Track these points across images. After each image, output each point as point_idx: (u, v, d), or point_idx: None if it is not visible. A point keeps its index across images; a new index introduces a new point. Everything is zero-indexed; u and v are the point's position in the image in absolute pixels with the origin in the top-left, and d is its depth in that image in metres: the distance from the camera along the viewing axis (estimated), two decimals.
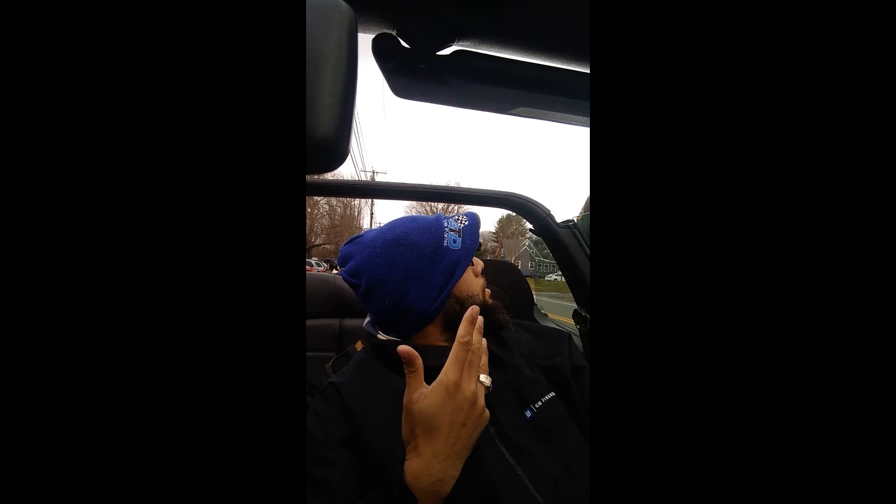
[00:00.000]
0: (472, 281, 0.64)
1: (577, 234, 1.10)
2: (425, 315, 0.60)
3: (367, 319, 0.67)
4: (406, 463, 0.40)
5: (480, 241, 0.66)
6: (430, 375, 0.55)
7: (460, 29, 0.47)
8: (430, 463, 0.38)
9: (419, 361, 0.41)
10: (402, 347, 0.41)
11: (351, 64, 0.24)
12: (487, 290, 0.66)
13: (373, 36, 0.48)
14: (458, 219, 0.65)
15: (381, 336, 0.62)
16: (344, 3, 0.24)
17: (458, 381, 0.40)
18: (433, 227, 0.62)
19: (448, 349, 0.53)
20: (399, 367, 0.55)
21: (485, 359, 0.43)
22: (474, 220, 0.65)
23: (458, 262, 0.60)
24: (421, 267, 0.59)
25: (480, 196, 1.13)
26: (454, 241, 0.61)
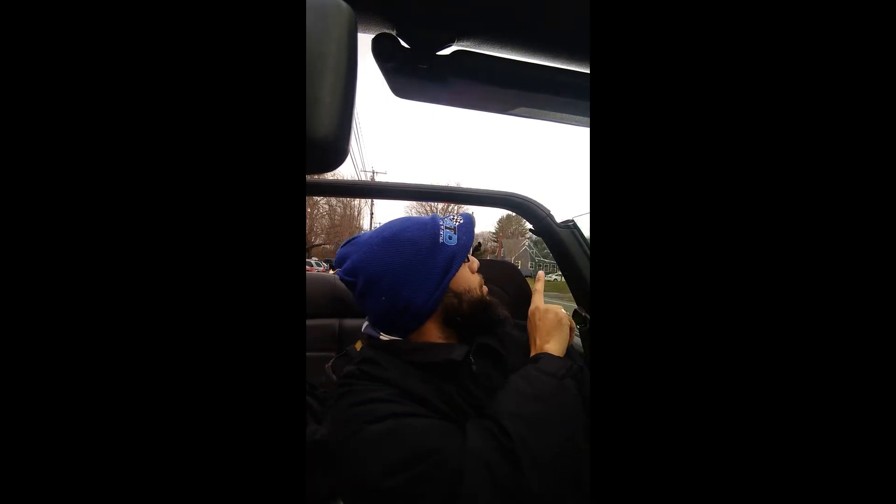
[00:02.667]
0: (469, 276, 0.65)
1: (577, 234, 1.10)
2: (423, 311, 0.60)
3: (366, 323, 0.67)
4: (535, 346, 0.64)
5: (480, 241, 0.67)
6: (437, 370, 0.58)
7: (460, 29, 0.47)
8: (543, 339, 0.64)
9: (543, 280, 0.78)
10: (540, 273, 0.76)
11: (351, 64, 0.24)
12: (485, 288, 0.67)
13: (373, 36, 0.48)
14: (453, 218, 0.66)
15: (384, 337, 0.63)
16: (344, 3, 0.24)
17: (538, 304, 0.69)
18: (429, 225, 0.63)
19: (450, 345, 0.61)
20: (409, 359, 0.59)
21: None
22: (469, 219, 0.67)
23: (455, 257, 0.61)
24: (417, 263, 0.60)
25: (480, 196, 1.13)
26: (450, 238, 0.62)
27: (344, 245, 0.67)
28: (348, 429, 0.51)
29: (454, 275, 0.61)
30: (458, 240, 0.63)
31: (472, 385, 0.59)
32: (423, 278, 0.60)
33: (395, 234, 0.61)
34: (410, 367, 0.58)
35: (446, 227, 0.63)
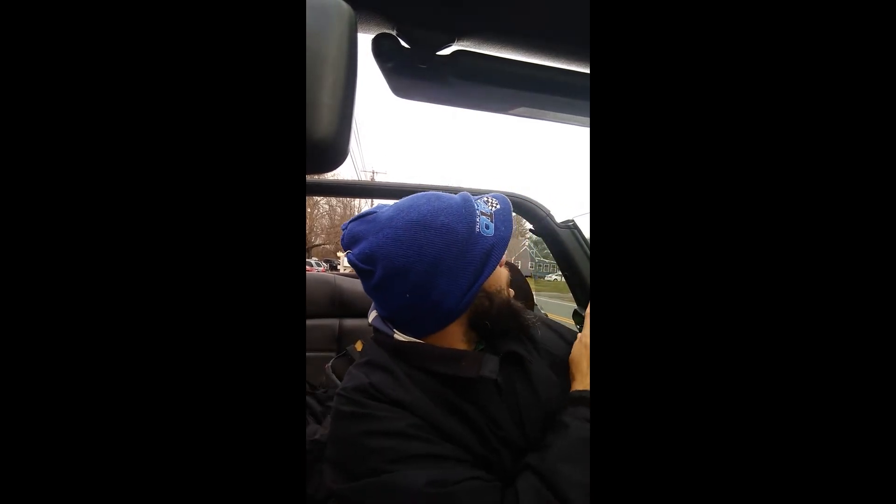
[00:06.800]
0: (500, 273, 0.56)
1: (577, 234, 1.10)
2: (452, 312, 0.52)
3: (374, 314, 0.57)
4: (581, 381, 0.57)
5: None
6: (461, 386, 0.50)
7: (460, 29, 0.47)
8: (588, 376, 0.57)
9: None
10: None
11: (351, 64, 0.24)
12: (510, 290, 0.60)
13: (373, 36, 0.48)
14: (487, 201, 0.56)
15: (399, 336, 0.53)
16: (344, 3, 0.24)
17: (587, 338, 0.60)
18: (463, 210, 0.52)
19: (480, 356, 0.50)
20: (431, 367, 0.51)
21: None
22: (506, 205, 0.56)
23: (492, 252, 0.52)
24: (452, 256, 0.49)
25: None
26: (486, 227, 0.53)
27: (356, 220, 0.54)
28: (365, 464, 0.44)
29: (491, 273, 0.52)
30: (494, 230, 0.53)
31: (494, 406, 0.51)
32: (457, 275, 0.50)
33: (425, 217, 0.50)
34: (432, 381, 0.50)
35: (482, 213, 0.53)
